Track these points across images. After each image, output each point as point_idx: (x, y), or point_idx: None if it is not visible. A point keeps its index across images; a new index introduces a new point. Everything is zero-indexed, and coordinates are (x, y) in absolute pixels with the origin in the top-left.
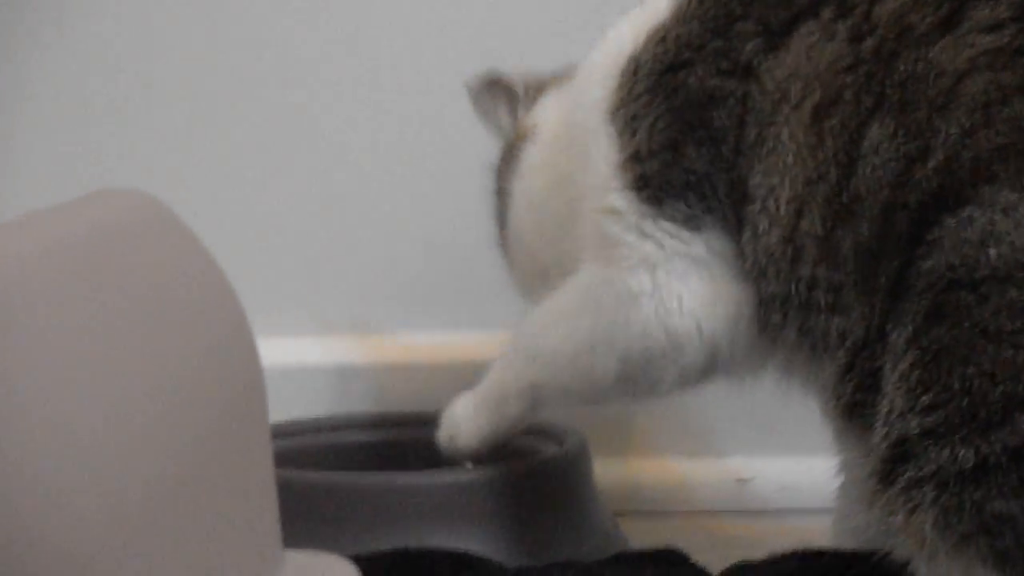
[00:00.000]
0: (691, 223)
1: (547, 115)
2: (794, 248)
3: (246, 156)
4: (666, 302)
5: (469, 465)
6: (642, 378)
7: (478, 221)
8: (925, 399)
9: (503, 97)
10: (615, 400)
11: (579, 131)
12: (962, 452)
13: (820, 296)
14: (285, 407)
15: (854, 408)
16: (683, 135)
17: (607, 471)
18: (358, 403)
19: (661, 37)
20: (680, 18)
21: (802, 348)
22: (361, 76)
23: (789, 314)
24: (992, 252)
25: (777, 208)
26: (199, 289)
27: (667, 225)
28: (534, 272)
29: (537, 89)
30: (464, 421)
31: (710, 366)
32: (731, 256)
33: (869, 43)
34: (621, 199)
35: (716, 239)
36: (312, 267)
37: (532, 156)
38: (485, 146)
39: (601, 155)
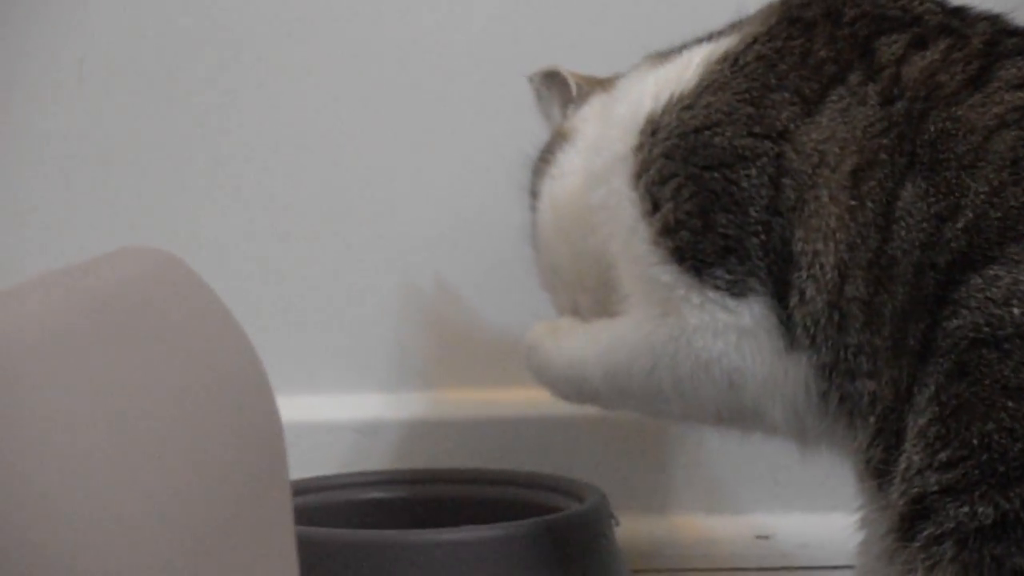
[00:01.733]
0: (735, 288)
1: (588, 123)
2: (840, 314)
3: (269, 214)
4: (734, 373)
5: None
6: (741, 421)
7: (493, 279)
8: (943, 455)
9: (558, 92)
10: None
11: (603, 173)
12: (981, 508)
13: (863, 362)
14: (305, 464)
15: (881, 468)
16: (709, 202)
17: (627, 528)
18: (377, 460)
19: (686, 104)
20: (708, 87)
21: (841, 414)
22: (389, 138)
23: (833, 380)
24: (1016, 311)
25: (823, 273)
26: (219, 347)
27: (713, 295)
28: (554, 268)
29: (589, 91)
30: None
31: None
32: (775, 326)
33: (900, 105)
34: (664, 273)
35: (759, 304)
36: (330, 324)
37: (564, 160)
38: (512, 210)
39: (631, 226)
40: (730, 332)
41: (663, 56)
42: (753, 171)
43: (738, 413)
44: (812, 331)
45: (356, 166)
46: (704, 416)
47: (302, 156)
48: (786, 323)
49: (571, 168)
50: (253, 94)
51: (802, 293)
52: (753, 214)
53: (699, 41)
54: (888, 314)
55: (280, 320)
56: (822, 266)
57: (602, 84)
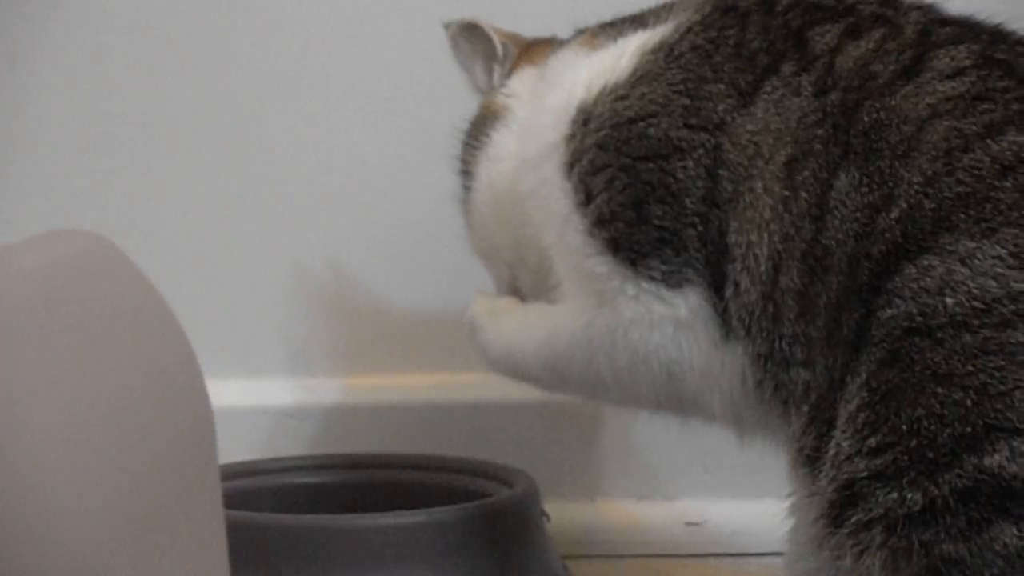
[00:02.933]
0: (671, 279)
1: (520, 101)
2: (775, 305)
3: (200, 199)
4: (671, 364)
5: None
6: (681, 409)
7: (432, 268)
8: (872, 441)
9: (480, 49)
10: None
11: (535, 161)
12: (910, 494)
13: (797, 351)
14: (235, 449)
15: (812, 456)
16: (644, 193)
17: (558, 514)
18: (306, 445)
19: (620, 94)
20: (645, 77)
21: (775, 403)
22: (331, 118)
23: (768, 370)
24: (949, 300)
25: (757, 264)
26: (149, 330)
27: (648, 286)
28: (491, 246)
29: (516, 53)
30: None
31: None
32: (711, 316)
33: (834, 95)
34: (600, 264)
35: (695, 295)
36: (260, 309)
37: (499, 144)
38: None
39: (566, 216)
40: (666, 324)
41: (595, 34)
42: (689, 163)
43: (677, 402)
44: (747, 322)
45: (275, 151)
46: (643, 403)
47: (230, 141)
48: (722, 314)
49: (507, 151)
50: (182, 81)
51: (737, 284)
52: (689, 205)
53: (633, 20)
54: (822, 304)
55: (210, 304)
56: (756, 257)
57: (529, 51)
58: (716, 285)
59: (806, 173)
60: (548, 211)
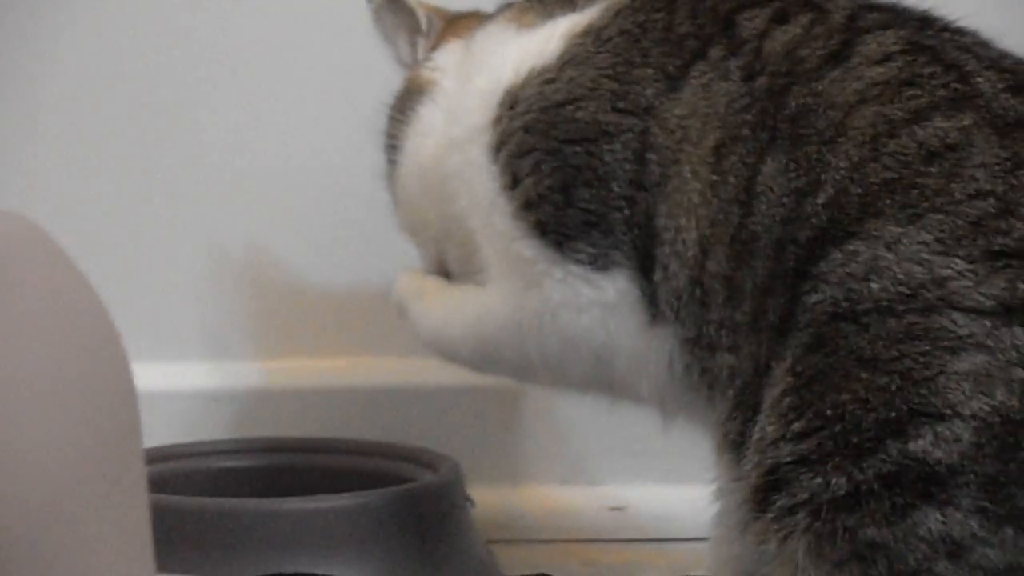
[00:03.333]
0: (598, 262)
1: (446, 75)
2: (702, 289)
3: (126, 177)
4: (600, 348)
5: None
6: (610, 392)
7: (356, 242)
8: (797, 426)
9: (404, 22)
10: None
11: (460, 143)
12: (834, 479)
13: (723, 336)
14: (160, 432)
15: (737, 441)
16: (571, 177)
17: (482, 498)
18: (229, 429)
19: (548, 78)
20: (572, 61)
21: (701, 388)
22: (246, 97)
23: (696, 354)
24: (875, 286)
25: (685, 248)
26: (74, 312)
27: (575, 269)
28: (418, 222)
29: (441, 27)
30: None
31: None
32: (639, 300)
33: (761, 80)
34: (527, 248)
35: (623, 279)
36: (188, 291)
37: (426, 119)
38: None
39: (492, 200)
40: (594, 307)
41: (522, 10)
42: (617, 146)
43: (606, 385)
44: (676, 306)
45: (193, 132)
46: (573, 386)
47: (147, 123)
48: (650, 297)
49: (433, 127)
50: (98, 64)
51: (666, 268)
52: (616, 189)
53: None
54: (749, 289)
55: (129, 287)
56: (684, 242)
57: (454, 25)
58: (644, 269)
59: (734, 158)
60: (474, 193)
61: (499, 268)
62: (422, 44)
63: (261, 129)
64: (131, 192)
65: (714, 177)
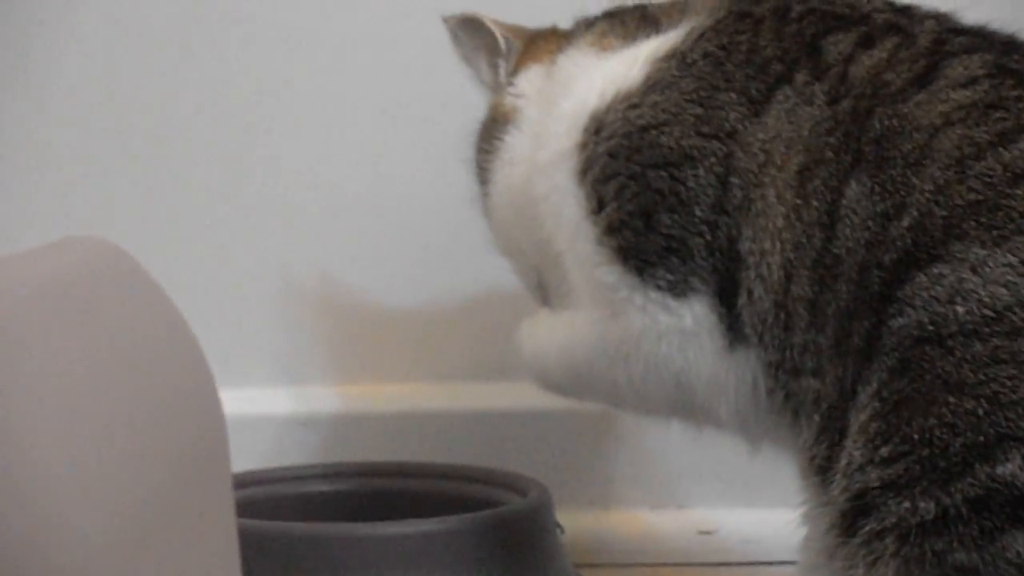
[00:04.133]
0: (676, 289)
1: (529, 102)
2: (786, 313)
3: (216, 204)
4: (680, 374)
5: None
6: (693, 418)
7: (427, 273)
8: (884, 451)
9: (484, 45)
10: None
11: (547, 169)
12: (922, 503)
13: (808, 360)
14: (248, 457)
15: (824, 465)
16: (654, 202)
17: (570, 522)
18: (318, 454)
19: (632, 103)
20: (656, 85)
21: (786, 412)
22: (321, 124)
23: (779, 379)
24: (960, 309)
25: (769, 273)
26: (162, 339)
27: (654, 295)
28: (515, 247)
29: (520, 48)
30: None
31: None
32: (716, 325)
33: (845, 104)
34: (608, 274)
35: (700, 305)
36: (273, 317)
37: (513, 148)
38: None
39: (576, 225)
40: (672, 334)
41: (603, 33)
42: (700, 171)
43: (689, 410)
44: (760, 330)
45: (270, 161)
46: (659, 411)
47: (226, 153)
48: (729, 322)
49: (520, 156)
50: (176, 93)
51: (750, 292)
52: (698, 214)
53: (643, 18)
54: (831, 313)
55: (223, 312)
56: (769, 265)
57: (534, 47)
58: (725, 294)
59: (817, 181)
60: (560, 217)
61: (585, 293)
62: (503, 67)
63: (339, 156)
64: (211, 219)
65: (798, 201)
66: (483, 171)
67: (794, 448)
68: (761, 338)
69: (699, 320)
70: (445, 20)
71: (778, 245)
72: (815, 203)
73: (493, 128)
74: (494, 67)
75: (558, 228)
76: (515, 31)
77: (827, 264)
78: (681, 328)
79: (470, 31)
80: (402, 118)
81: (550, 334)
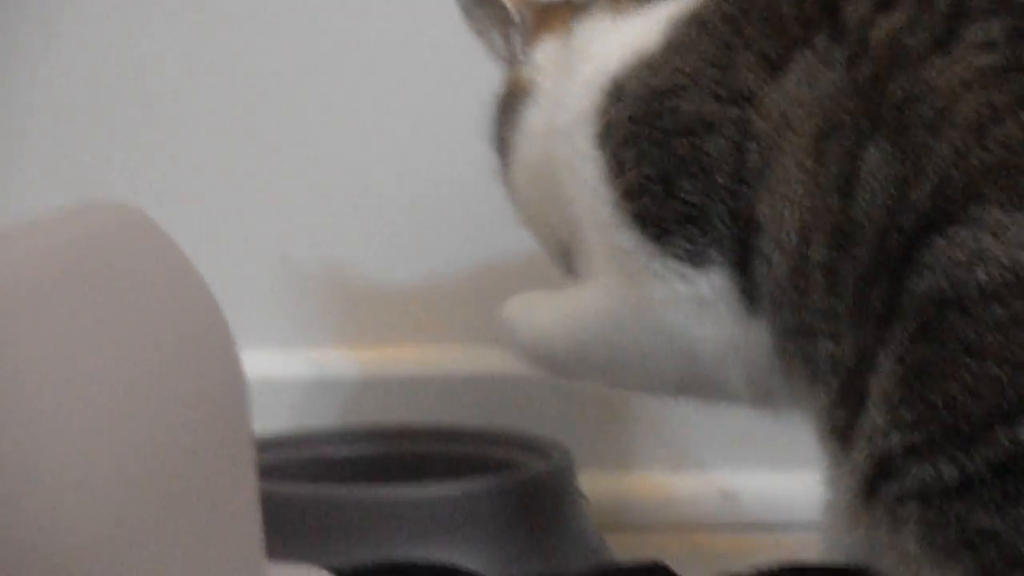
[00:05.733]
0: (696, 259)
1: (546, 75)
2: (804, 279)
3: (236, 168)
4: (695, 343)
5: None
6: (703, 391)
7: (459, 236)
8: (907, 415)
9: (496, 16)
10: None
11: (567, 134)
12: (945, 468)
13: (823, 324)
14: (271, 420)
15: (845, 431)
16: (675, 168)
17: (592, 485)
18: (343, 415)
19: (651, 64)
20: (674, 48)
21: (803, 377)
22: (354, 96)
23: (797, 342)
24: (980, 273)
25: (788, 239)
26: (183, 302)
27: (673, 263)
28: (535, 215)
29: (532, 19)
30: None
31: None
32: (734, 294)
33: (865, 68)
34: (626, 238)
35: (718, 275)
36: (293, 279)
37: (532, 120)
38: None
39: (595, 187)
40: (690, 303)
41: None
42: (720, 139)
43: (700, 382)
44: (776, 295)
45: (288, 123)
46: (666, 385)
47: (266, 111)
48: (746, 288)
49: (539, 129)
50: (212, 57)
51: (768, 258)
52: (719, 180)
53: None
54: (849, 277)
55: (243, 275)
56: (787, 231)
57: (547, 18)
58: (742, 261)
59: (835, 145)
60: (580, 181)
61: (602, 260)
62: (517, 39)
63: (351, 122)
64: (229, 182)
65: (816, 166)
66: (504, 144)
67: (812, 412)
68: (778, 303)
69: (717, 289)
70: None
71: (796, 211)
72: (833, 168)
73: (511, 101)
74: (507, 38)
75: (578, 192)
76: (526, 2)
77: (845, 229)
78: (699, 297)
79: (481, 3)
80: (411, 83)
81: (553, 310)
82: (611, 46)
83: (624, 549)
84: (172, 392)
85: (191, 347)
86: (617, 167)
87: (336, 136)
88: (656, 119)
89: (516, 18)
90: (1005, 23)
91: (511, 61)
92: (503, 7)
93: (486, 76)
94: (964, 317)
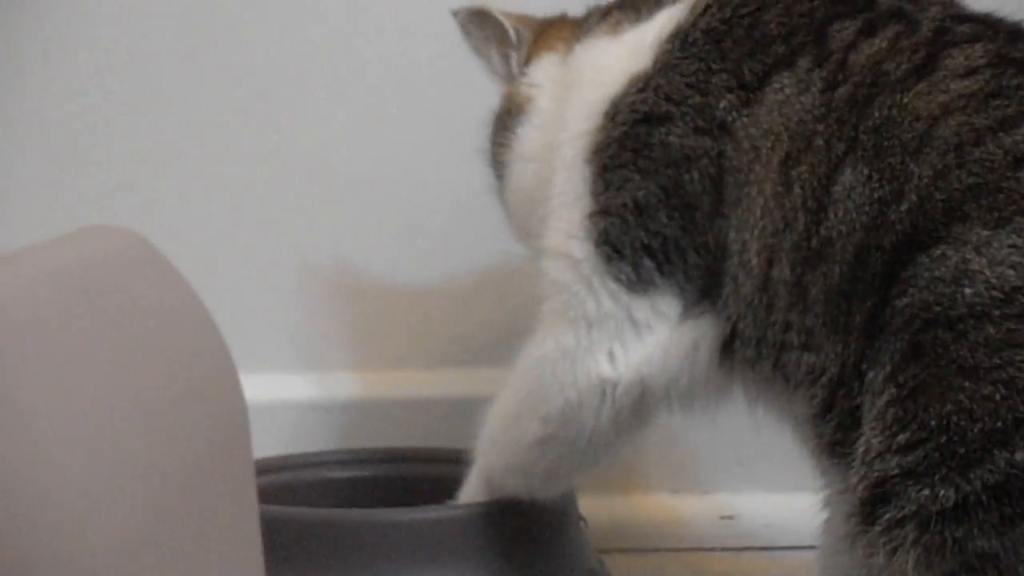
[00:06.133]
0: (636, 288)
1: (543, 91)
2: (768, 295)
3: (235, 194)
4: (595, 357)
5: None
6: (563, 433)
7: (454, 256)
8: (902, 438)
9: (494, 36)
10: (552, 465)
11: (560, 148)
12: (942, 491)
13: (792, 337)
14: (270, 443)
15: (836, 446)
16: (655, 200)
17: (592, 507)
18: (342, 439)
19: (642, 86)
20: (662, 68)
21: (775, 381)
22: (363, 117)
23: (763, 352)
24: (967, 290)
25: (749, 260)
26: (183, 326)
27: (612, 285)
28: (526, 233)
29: (531, 38)
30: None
31: (640, 409)
32: (676, 314)
33: (843, 91)
34: (581, 249)
35: (664, 302)
36: (293, 304)
37: (526, 140)
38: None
39: (574, 197)
40: (614, 321)
41: (617, 20)
42: (697, 173)
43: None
44: (743, 312)
45: (288, 146)
46: (588, 432)
47: (241, 137)
48: (693, 305)
49: (534, 148)
50: (193, 80)
51: (734, 280)
52: (698, 218)
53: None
54: (819, 293)
55: (243, 299)
56: (748, 253)
57: (545, 36)
58: (706, 283)
59: (802, 168)
60: (560, 189)
61: (545, 283)
62: (514, 57)
63: (360, 144)
64: (233, 207)
65: (779, 188)
66: (498, 163)
67: (792, 419)
68: (744, 318)
69: (656, 311)
70: (455, 14)
71: (757, 233)
72: (799, 189)
73: (507, 119)
74: (505, 57)
75: (552, 201)
76: (524, 21)
77: (812, 247)
78: (630, 318)
79: (479, 23)
80: (424, 101)
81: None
82: (611, 68)
83: (624, 571)
84: (172, 414)
85: (191, 370)
86: (602, 185)
87: (338, 158)
88: (644, 148)
89: (513, 37)
90: (988, 48)
91: (508, 79)
92: (501, 26)
93: (487, 94)
94: (955, 336)
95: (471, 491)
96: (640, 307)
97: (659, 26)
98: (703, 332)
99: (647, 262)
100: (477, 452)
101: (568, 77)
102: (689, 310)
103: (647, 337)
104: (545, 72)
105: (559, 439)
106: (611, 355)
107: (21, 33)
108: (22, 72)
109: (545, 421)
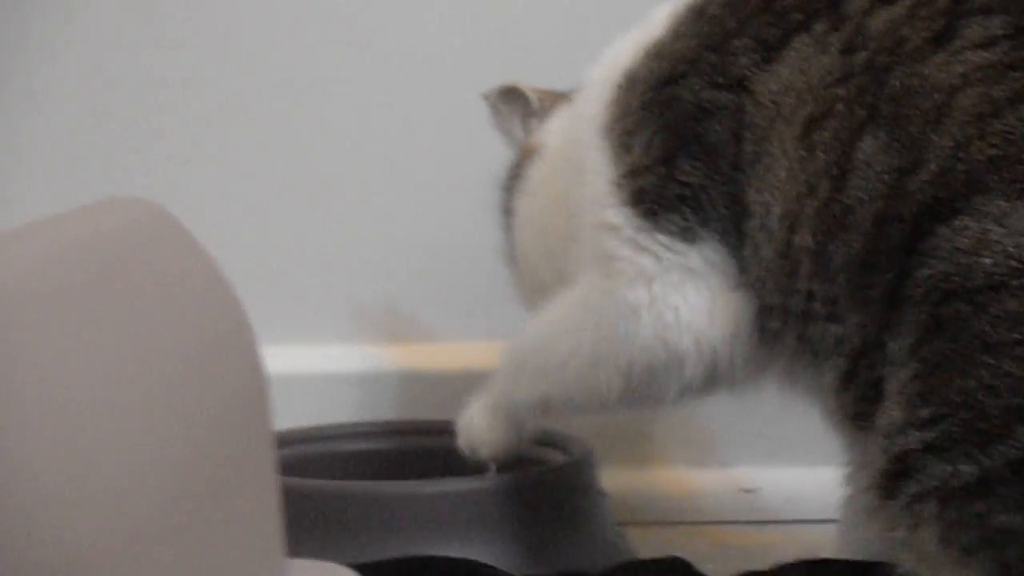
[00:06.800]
0: (686, 235)
1: (553, 134)
2: (790, 263)
3: (259, 164)
4: (664, 315)
5: (492, 469)
6: (645, 391)
7: (487, 230)
8: (925, 412)
9: (518, 108)
10: (622, 410)
11: (577, 147)
12: (964, 466)
13: (817, 307)
14: (291, 415)
15: (858, 417)
16: (677, 149)
17: (613, 481)
18: (364, 411)
19: (658, 52)
20: (677, 34)
21: (802, 354)
22: (368, 84)
23: (788, 322)
24: (987, 260)
25: (771, 224)
26: (204, 298)
27: (663, 238)
28: (537, 287)
29: (552, 105)
30: (483, 433)
31: (711, 377)
32: (727, 267)
33: (861, 56)
34: (618, 214)
35: (712, 251)
36: (319, 275)
37: (536, 174)
38: (497, 154)
39: (597, 170)
40: (675, 272)
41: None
42: (717, 124)
43: (651, 374)
44: (763, 277)
45: (340, 113)
46: (616, 382)
47: (287, 106)
48: (736, 266)
49: (541, 184)
50: (241, 46)
51: (755, 242)
52: (722, 166)
53: None
54: (840, 264)
55: (264, 270)
56: (771, 216)
57: (562, 97)
58: (733, 243)
59: (826, 133)
60: (583, 173)
61: (586, 251)
62: (534, 123)
63: (403, 119)
64: (259, 176)
65: (803, 152)
66: (506, 210)
67: (817, 391)
68: (764, 284)
69: (708, 262)
70: (486, 96)
71: (780, 196)
72: (822, 154)
73: (517, 168)
74: (526, 124)
75: (579, 189)
76: (550, 94)
77: (834, 214)
78: (688, 267)
79: (508, 99)
80: (449, 97)
81: (533, 324)
82: (624, 47)
83: (644, 544)
84: (193, 388)
85: (212, 343)
86: (623, 149)
87: (364, 136)
88: (664, 108)
89: (535, 104)
90: (1006, 21)
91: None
92: (526, 99)
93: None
94: (975, 309)
95: (480, 421)
96: (693, 255)
97: (674, 3)
98: (741, 307)
99: (687, 210)
100: (497, 385)
101: (574, 108)
102: (731, 274)
103: (707, 289)
104: (560, 119)
105: (636, 393)
106: (677, 313)
107: (42, 12)
108: (43, 51)
109: (627, 377)
